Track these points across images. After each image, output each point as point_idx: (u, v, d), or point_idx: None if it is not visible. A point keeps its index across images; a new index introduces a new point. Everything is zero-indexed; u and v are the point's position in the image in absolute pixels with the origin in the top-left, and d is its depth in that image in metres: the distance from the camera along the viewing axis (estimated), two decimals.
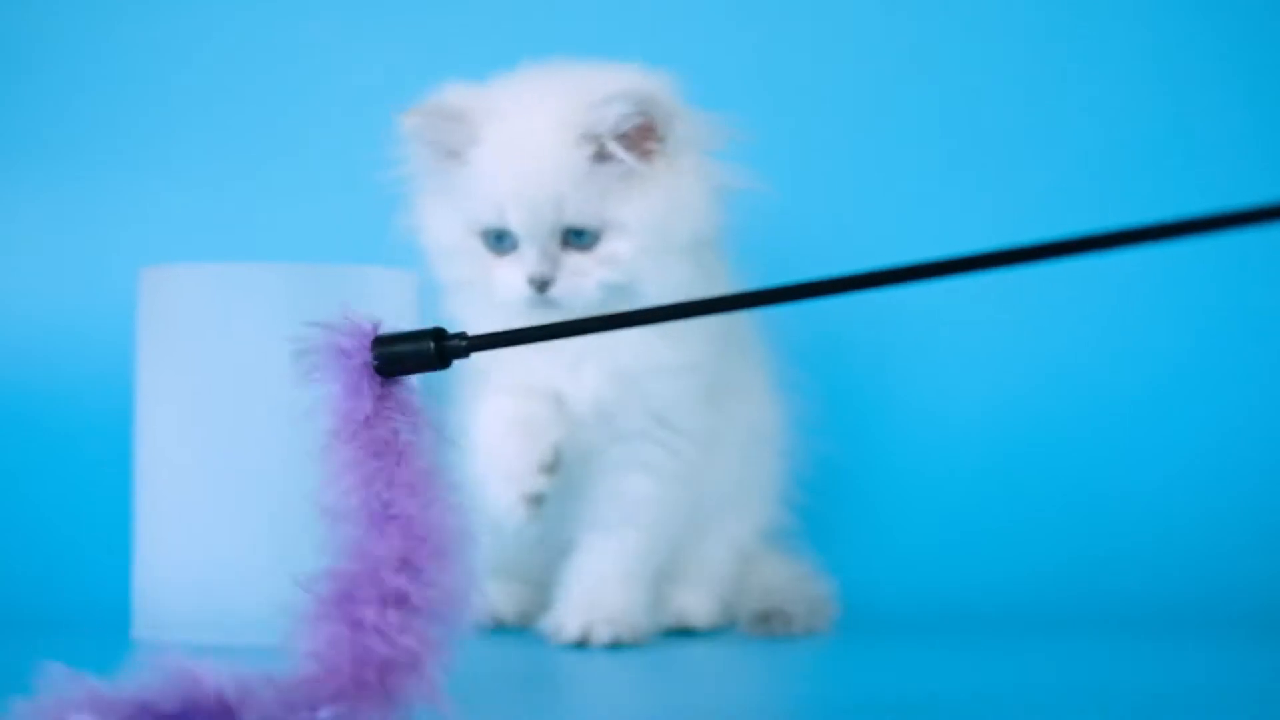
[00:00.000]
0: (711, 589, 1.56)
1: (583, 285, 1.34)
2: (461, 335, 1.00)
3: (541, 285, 1.34)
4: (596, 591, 1.44)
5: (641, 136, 1.34)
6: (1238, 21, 1.95)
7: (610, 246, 1.35)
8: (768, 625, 1.51)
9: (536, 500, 1.35)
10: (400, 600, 1.00)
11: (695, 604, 1.54)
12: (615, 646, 1.41)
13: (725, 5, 1.95)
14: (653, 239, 1.35)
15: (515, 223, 1.34)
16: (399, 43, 1.93)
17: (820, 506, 1.66)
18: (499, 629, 1.54)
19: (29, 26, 1.91)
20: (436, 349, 1.00)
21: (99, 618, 1.54)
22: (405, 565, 1.00)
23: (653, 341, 1.40)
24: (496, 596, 1.54)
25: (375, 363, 1.00)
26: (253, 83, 1.92)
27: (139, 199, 1.90)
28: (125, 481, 1.49)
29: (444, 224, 1.40)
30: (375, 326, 1.00)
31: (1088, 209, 1.91)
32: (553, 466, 1.36)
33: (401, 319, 1.45)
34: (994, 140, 1.93)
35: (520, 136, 1.34)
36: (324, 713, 0.98)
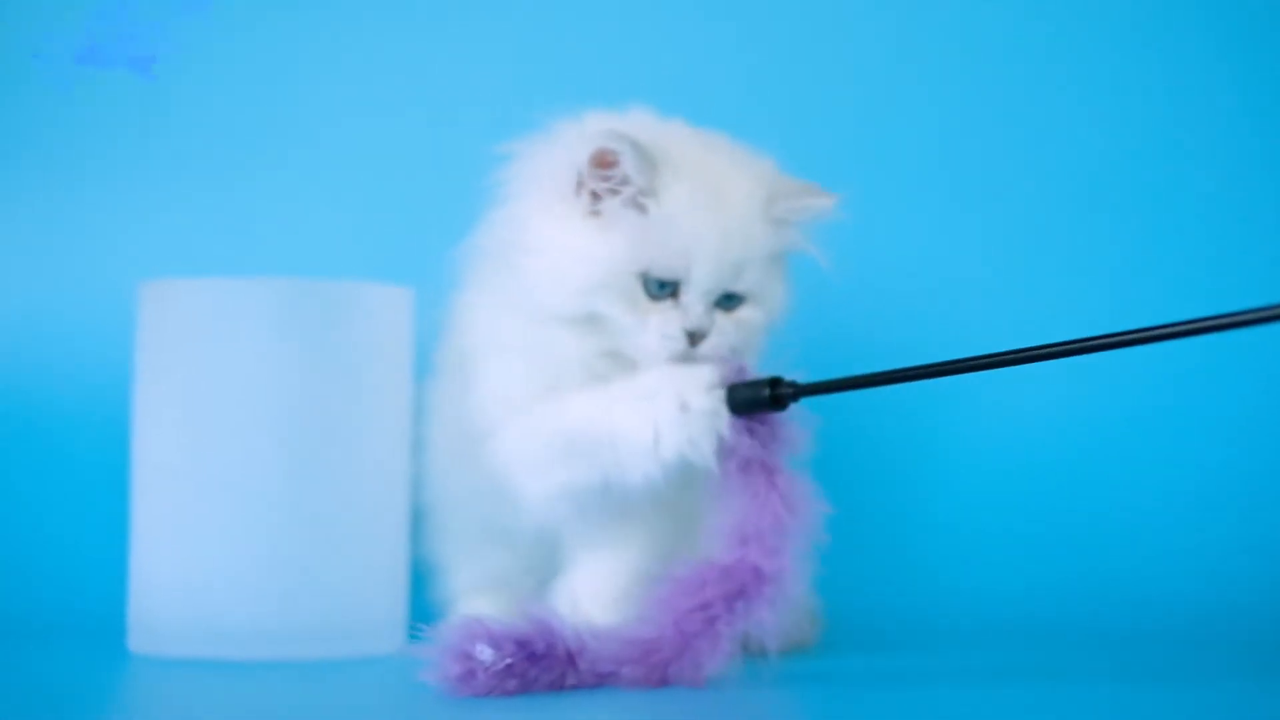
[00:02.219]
0: None
1: (722, 345, 1.36)
2: (792, 383, 1.30)
3: (696, 339, 1.35)
4: (593, 604, 1.45)
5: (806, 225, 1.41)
6: (1241, 29, 1.96)
7: (747, 312, 1.38)
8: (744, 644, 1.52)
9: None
10: (738, 600, 1.28)
11: None
12: None
13: (721, 34, 1.96)
14: (777, 314, 1.41)
15: (699, 277, 1.34)
16: (400, 57, 1.94)
17: None
18: None
19: (28, 40, 1.91)
20: (770, 395, 1.30)
21: (94, 630, 1.54)
22: (755, 570, 1.29)
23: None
24: (490, 610, 1.54)
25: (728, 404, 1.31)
26: (253, 96, 1.92)
27: (139, 212, 1.90)
28: (122, 494, 1.49)
29: (603, 257, 1.34)
30: (739, 369, 1.32)
31: (1089, 216, 1.93)
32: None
33: (397, 335, 1.47)
34: (992, 153, 1.94)
35: (722, 199, 1.35)
36: (627, 670, 1.28)
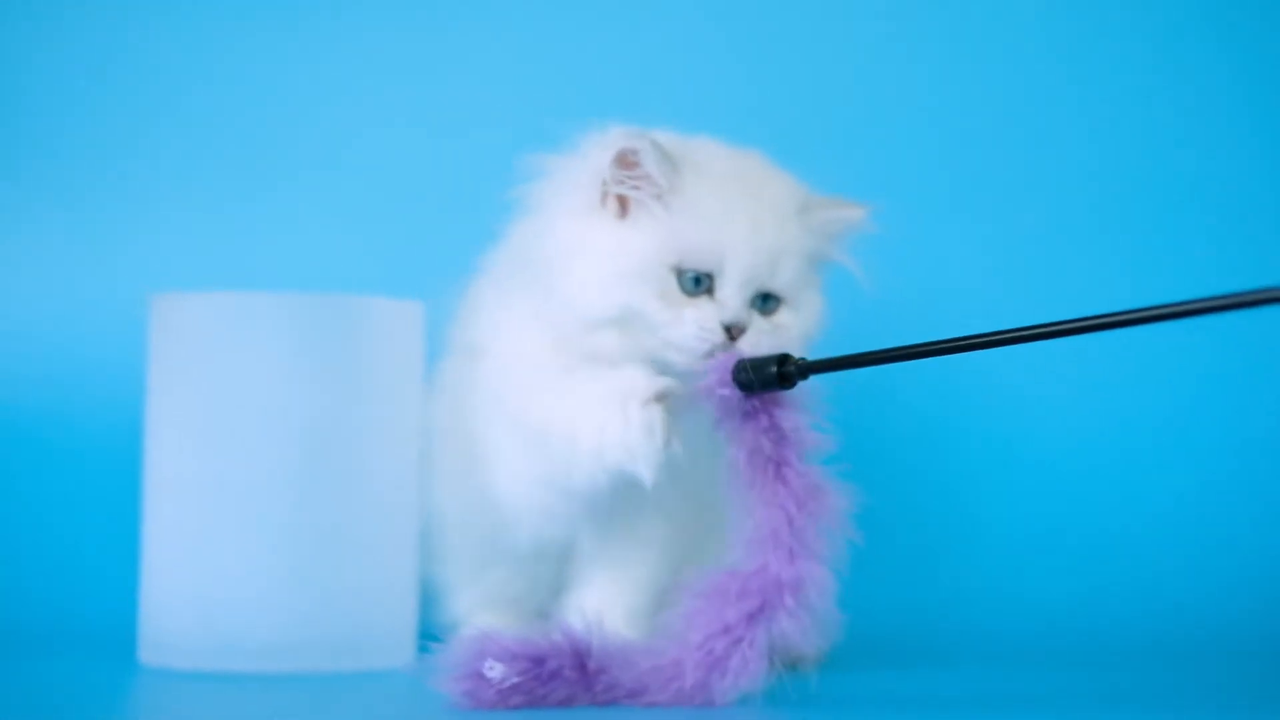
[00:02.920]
0: None
1: (759, 345, 1.33)
2: (800, 360, 1.26)
3: (734, 332, 1.33)
4: (600, 622, 1.45)
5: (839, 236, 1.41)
6: (1244, 32, 1.96)
7: (784, 317, 1.38)
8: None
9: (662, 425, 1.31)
10: (760, 615, 1.25)
11: None
12: None
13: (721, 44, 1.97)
14: (813, 326, 1.40)
15: (734, 270, 1.33)
16: (413, 71, 1.95)
17: None
18: None
19: (39, 54, 1.92)
20: (778, 372, 1.25)
21: (105, 643, 1.55)
22: (775, 580, 1.25)
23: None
24: (499, 627, 1.54)
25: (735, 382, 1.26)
26: (266, 110, 1.94)
27: (150, 226, 1.91)
28: (133, 507, 1.49)
29: (634, 252, 1.33)
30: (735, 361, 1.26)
31: (1089, 218, 1.94)
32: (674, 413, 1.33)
33: (407, 349, 1.48)
34: (995, 157, 1.95)
35: (755, 195, 1.35)
36: (650, 695, 1.26)
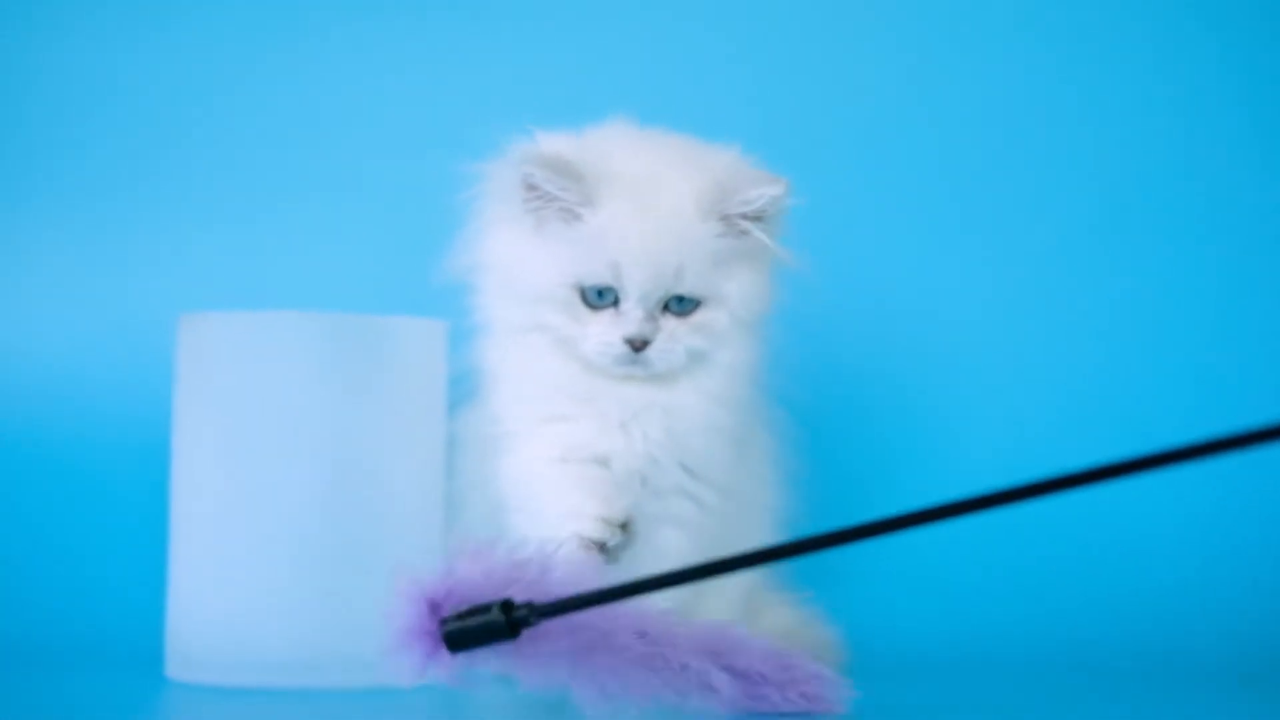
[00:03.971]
0: None
1: (674, 350, 1.37)
2: (527, 605, 1.08)
3: (640, 346, 1.36)
4: None
5: (763, 219, 1.39)
6: (1244, 37, 1.96)
7: (707, 315, 1.38)
8: None
9: (600, 546, 1.34)
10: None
11: None
12: None
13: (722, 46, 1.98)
14: (744, 313, 1.40)
15: (631, 285, 1.35)
16: (437, 91, 1.96)
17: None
18: None
19: (63, 72, 1.94)
20: (506, 621, 1.08)
21: (133, 658, 1.56)
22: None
23: (710, 406, 1.42)
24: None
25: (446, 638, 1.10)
26: (291, 130, 1.95)
27: (178, 245, 1.92)
28: (161, 523, 1.50)
29: (539, 271, 1.38)
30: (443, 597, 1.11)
31: (1089, 221, 1.95)
32: (625, 526, 1.36)
33: (431, 368, 1.49)
34: (994, 162, 1.96)
35: (650, 204, 1.36)
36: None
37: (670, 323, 1.37)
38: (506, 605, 1.08)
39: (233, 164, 1.94)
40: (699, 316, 1.38)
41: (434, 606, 1.10)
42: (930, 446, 1.92)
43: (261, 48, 1.96)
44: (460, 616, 1.08)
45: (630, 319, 1.36)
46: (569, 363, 1.40)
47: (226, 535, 1.43)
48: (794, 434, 1.56)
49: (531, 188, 1.36)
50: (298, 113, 1.95)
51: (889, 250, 1.94)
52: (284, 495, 1.42)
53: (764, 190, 1.37)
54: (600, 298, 1.37)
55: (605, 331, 1.36)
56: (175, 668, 1.47)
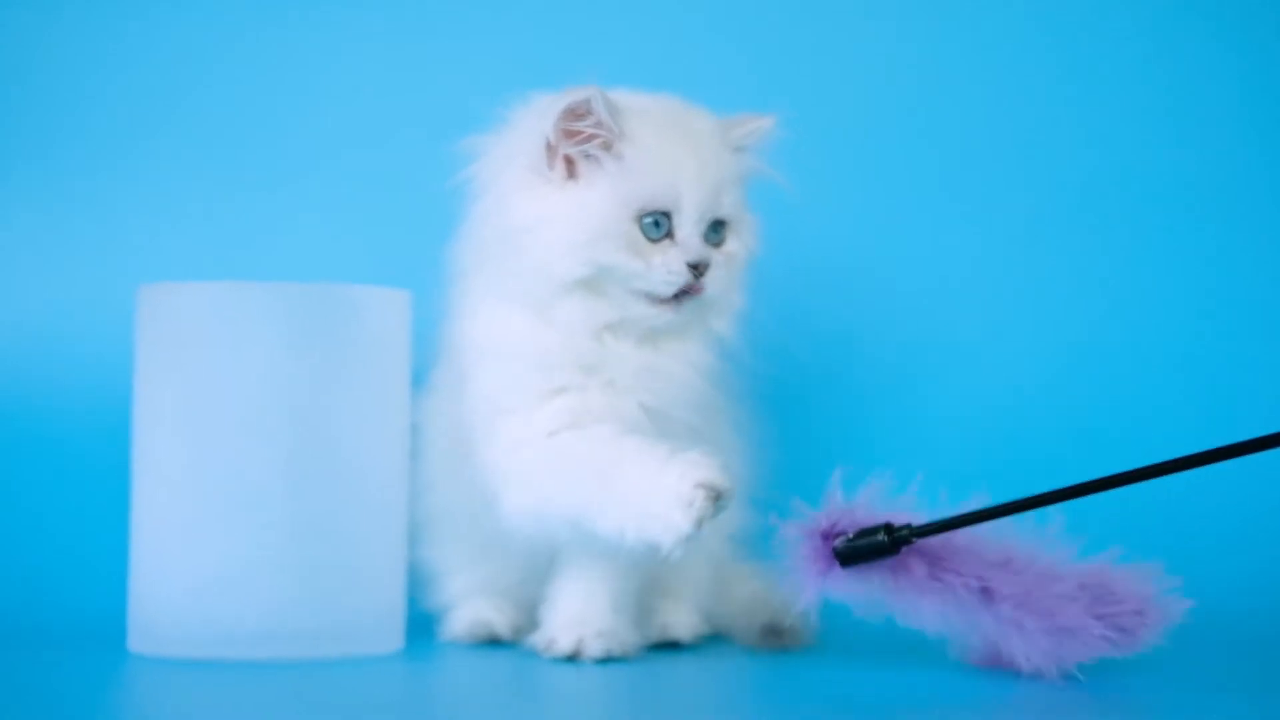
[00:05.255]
0: (694, 603, 1.57)
1: (718, 277, 1.42)
2: (907, 525, 1.28)
3: (701, 271, 1.40)
4: (587, 608, 1.46)
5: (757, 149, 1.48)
6: (1241, 34, 1.97)
7: (731, 245, 1.45)
8: (779, 639, 1.52)
9: (717, 495, 1.31)
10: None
11: (679, 619, 1.56)
12: (606, 660, 1.43)
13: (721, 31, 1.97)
14: (754, 243, 1.48)
15: (689, 206, 1.39)
16: (400, 61, 1.95)
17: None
18: (493, 643, 1.55)
19: (31, 45, 1.92)
20: (888, 539, 1.28)
21: (95, 631, 1.55)
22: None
23: (694, 380, 1.45)
24: (490, 612, 1.55)
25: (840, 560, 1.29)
26: (252, 101, 1.94)
27: (138, 216, 1.91)
28: (122, 496, 1.50)
29: (596, 210, 1.38)
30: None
31: (1087, 217, 1.95)
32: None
33: (395, 338, 1.48)
34: (992, 154, 1.96)
35: (687, 131, 1.41)
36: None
37: (710, 252, 1.42)
38: (889, 527, 1.27)
39: (194, 137, 1.93)
40: (726, 246, 1.44)
41: (825, 535, 1.29)
42: (903, 419, 1.93)
43: (228, 21, 1.95)
44: (850, 539, 1.28)
45: (691, 245, 1.40)
46: (572, 335, 1.40)
47: (189, 508, 1.43)
48: (760, 403, 1.56)
49: (579, 116, 1.37)
50: (261, 86, 1.94)
51: (866, 223, 1.94)
52: (246, 466, 1.42)
53: (759, 123, 1.46)
54: (657, 228, 1.39)
55: (669, 260, 1.39)
56: (138, 641, 1.46)
